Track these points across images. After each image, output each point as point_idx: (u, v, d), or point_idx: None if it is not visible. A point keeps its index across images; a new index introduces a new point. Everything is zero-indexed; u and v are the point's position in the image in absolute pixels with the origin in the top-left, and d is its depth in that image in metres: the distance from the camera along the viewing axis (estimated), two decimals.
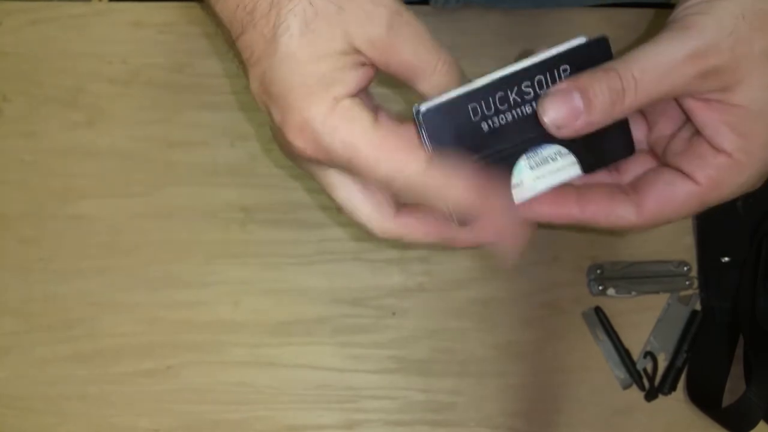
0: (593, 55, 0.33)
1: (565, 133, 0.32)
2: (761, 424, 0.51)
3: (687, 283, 0.54)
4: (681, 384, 0.54)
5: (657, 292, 0.54)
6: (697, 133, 0.33)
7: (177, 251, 0.55)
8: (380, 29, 0.30)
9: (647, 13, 0.57)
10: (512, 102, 0.33)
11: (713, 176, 0.32)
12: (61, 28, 0.57)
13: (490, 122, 0.33)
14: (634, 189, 0.35)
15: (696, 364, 0.54)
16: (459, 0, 0.57)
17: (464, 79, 0.33)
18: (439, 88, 0.32)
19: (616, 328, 0.54)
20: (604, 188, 0.35)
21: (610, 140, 0.34)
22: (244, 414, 0.53)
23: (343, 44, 0.30)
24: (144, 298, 0.54)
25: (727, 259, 0.54)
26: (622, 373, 0.54)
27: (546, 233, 0.55)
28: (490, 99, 0.32)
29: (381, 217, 0.34)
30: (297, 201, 0.55)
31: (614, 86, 0.31)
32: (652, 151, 0.37)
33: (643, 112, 0.37)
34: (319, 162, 0.32)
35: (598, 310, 0.54)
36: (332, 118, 0.30)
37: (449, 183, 0.31)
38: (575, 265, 0.55)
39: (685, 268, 0.54)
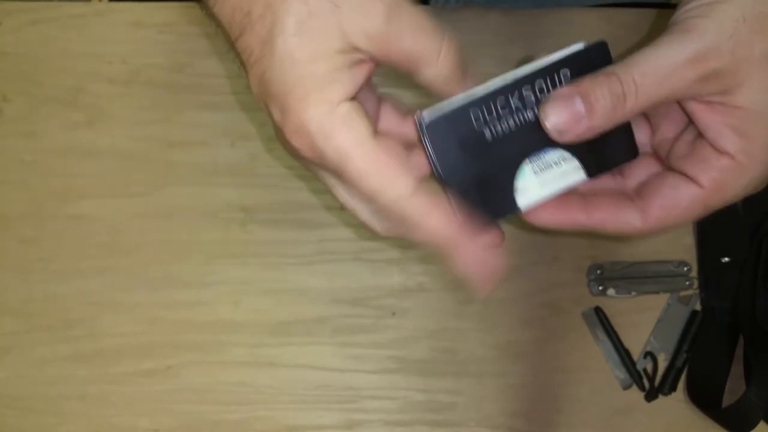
0: (593, 60, 0.33)
1: (567, 137, 0.32)
2: (761, 424, 0.51)
3: (687, 283, 0.54)
4: (681, 384, 0.54)
5: (657, 292, 0.55)
6: (700, 135, 0.33)
7: (177, 251, 0.55)
8: (377, 22, 0.30)
9: (647, 13, 0.57)
10: (514, 108, 0.33)
11: (716, 179, 0.32)
12: (61, 28, 0.57)
13: (492, 129, 0.33)
14: (638, 194, 0.35)
15: (696, 365, 0.54)
16: (459, 0, 0.57)
17: (467, 84, 0.33)
18: (445, 75, 0.32)
19: (616, 328, 0.54)
20: (610, 194, 0.36)
21: (613, 144, 0.34)
22: (244, 414, 0.53)
23: (340, 42, 0.30)
24: (144, 298, 0.54)
25: (727, 259, 0.54)
26: (622, 373, 0.54)
27: (546, 233, 0.55)
28: (492, 106, 0.32)
29: (383, 215, 0.34)
30: (297, 201, 0.55)
31: (615, 90, 0.31)
32: (655, 154, 0.37)
33: (646, 115, 0.37)
34: (315, 163, 0.32)
35: (598, 310, 0.54)
36: (328, 122, 0.30)
37: (428, 214, 0.31)
38: (575, 265, 0.55)
39: (685, 268, 0.54)
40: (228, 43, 0.33)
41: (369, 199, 0.31)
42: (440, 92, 0.33)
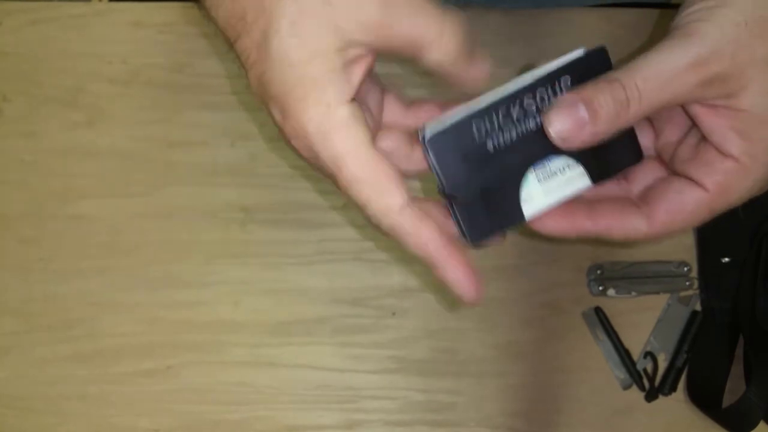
0: (593, 66, 0.33)
1: (571, 144, 0.32)
2: (761, 424, 0.51)
3: (687, 283, 0.54)
4: (681, 384, 0.54)
5: (657, 293, 0.54)
6: (704, 139, 0.33)
7: (177, 251, 0.55)
8: (371, 10, 0.30)
9: (647, 14, 0.57)
10: (515, 118, 0.33)
11: (721, 182, 0.32)
12: (61, 28, 0.57)
13: (494, 140, 0.33)
14: (643, 199, 0.35)
15: (696, 365, 0.54)
16: (459, 0, 0.57)
17: (477, 64, 0.33)
18: (450, 56, 0.31)
19: (616, 329, 0.54)
20: (614, 200, 0.36)
21: (617, 149, 0.34)
22: (244, 414, 0.53)
23: (335, 39, 0.30)
24: (144, 298, 0.54)
25: (727, 259, 0.54)
26: (622, 374, 0.54)
27: None
28: (493, 117, 0.32)
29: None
30: (297, 201, 0.55)
31: (618, 96, 0.31)
32: (659, 158, 0.37)
33: (649, 119, 0.37)
34: (312, 164, 0.32)
35: (598, 310, 0.54)
36: (326, 126, 0.30)
37: (415, 229, 0.31)
38: (575, 265, 0.55)
39: (686, 269, 0.54)
40: (227, 45, 0.33)
41: (360, 207, 0.32)
42: (448, 75, 0.33)
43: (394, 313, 0.55)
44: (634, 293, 0.54)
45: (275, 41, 0.30)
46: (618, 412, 0.54)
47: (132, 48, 0.57)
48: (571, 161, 0.34)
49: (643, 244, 0.55)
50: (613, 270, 0.54)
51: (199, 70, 0.57)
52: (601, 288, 0.54)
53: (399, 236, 0.32)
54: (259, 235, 0.55)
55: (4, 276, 0.54)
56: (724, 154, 0.32)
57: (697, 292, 0.55)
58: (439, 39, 0.31)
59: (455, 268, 0.32)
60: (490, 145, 0.33)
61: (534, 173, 0.34)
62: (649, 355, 0.54)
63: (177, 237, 0.55)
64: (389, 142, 0.35)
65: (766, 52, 0.31)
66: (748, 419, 0.51)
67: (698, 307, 0.55)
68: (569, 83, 0.33)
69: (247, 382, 0.54)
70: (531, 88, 0.33)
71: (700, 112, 0.32)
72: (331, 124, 0.30)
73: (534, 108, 0.33)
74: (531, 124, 0.33)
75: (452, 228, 0.34)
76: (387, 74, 0.37)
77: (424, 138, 0.32)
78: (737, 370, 0.54)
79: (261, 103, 0.32)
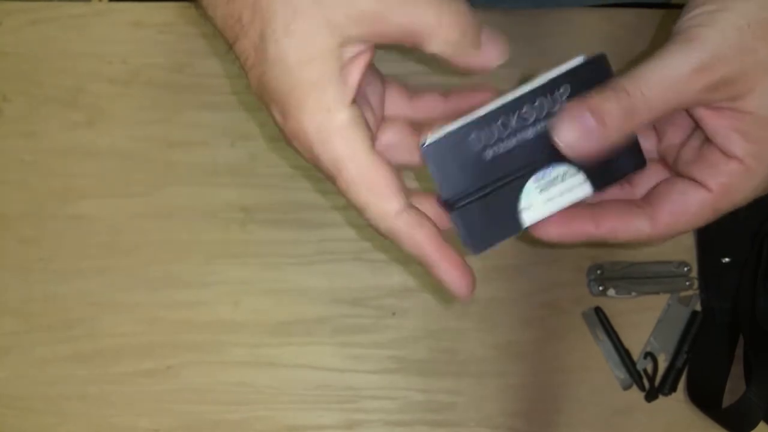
0: (593, 73, 0.33)
1: (578, 153, 0.32)
2: (761, 424, 0.51)
3: (687, 283, 0.54)
4: (681, 384, 0.54)
5: (657, 293, 0.54)
6: (707, 140, 0.33)
7: (177, 251, 0.55)
8: (364, 2, 0.29)
9: (648, 14, 0.57)
10: (514, 127, 0.33)
11: (725, 183, 0.32)
12: (61, 28, 0.57)
13: (493, 149, 0.33)
14: (647, 201, 0.35)
15: (696, 365, 0.54)
16: None
17: (486, 48, 0.32)
18: (452, 43, 0.31)
19: (617, 329, 0.54)
20: (617, 203, 0.35)
21: (619, 155, 0.34)
22: (244, 414, 0.53)
23: (330, 38, 0.29)
24: (144, 298, 0.54)
25: (727, 259, 0.54)
26: (622, 374, 0.54)
27: None
28: (492, 125, 0.33)
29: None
30: (297, 201, 0.55)
31: (625, 104, 0.31)
32: (662, 161, 0.36)
33: (655, 126, 0.37)
34: (313, 165, 0.32)
35: (598, 311, 0.54)
36: (326, 130, 0.30)
37: (410, 235, 0.32)
38: (575, 265, 0.55)
39: (686, 269, 0.54)
40: (227, 45, 0.33)
41: (358, 210, 0.32)
42: (455, 64, 0.32)
43: (394, 313, 0.55)
44: (634, 293, 0.54)
45: (272, 43, 0.30)
46: (618, 412, 0.54)
47: (132, 48, 0.57)
48: (571, 169, 0.34)
49: (646, 245, 0.55)
50: (613, 270, 0.54)
51: (199, 70, 0.57)
52: (601, 288, 0.54)
53: (395, 239, 0.32)
54: (259, 235, 0.55)
55: (4, 276, 0.54)
56: (729, 155, 0.32)
57: (697, 292, 0.55)
58: (437, 27, 0.30)
59: (449, 268, 0.33)
60: (488, 154, 0.33)
61: (534, 181, 0.34)
62: (649, 355, 0.54)
63: (177, 237, 0.55)
64: (392, 134, 0.35)
65: None
66: (748, 419, 0.51)
67: (698, 308, 0.55)
68: (569, 91, 0.33)
69: (247, 382, 0.54)
70: (530, 97, 0.33)
71: (704, 115, 0.32)
72: (331, 128, 0.30)
73: (533, 117, 0.33)
74: (530, 133, 0.33)
75: (448, 227, 0.34)
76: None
77: (422, 146, 0.33)
78: (737, 370, 0.54)
79: (262, 103, 0.32)
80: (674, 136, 0.35)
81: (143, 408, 0.53)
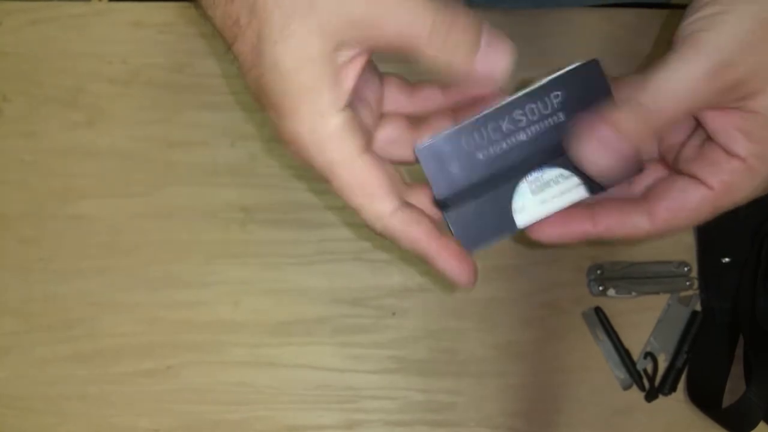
0: (586, 78, 0.33)
1: (600, 169, 0.32)
2: (761, 424, 0.51)
3: (687, 283, 0.54)
4: (681, 384, 0.54)
5: (657, 293, 0.54)
6: (709, 139, 0.33)
7: (177, 251, 0.55)
8: (358, 9, 0.29)
9: (648, 14, 0.57)
10: (507, 131, 0.33)
11: (726, 181, 0.32)
12: (61, 28, 0.57)
13: (486, 152, 0.34)
14: (645, 197, 0.35)
15: (696, 365, 0.54)
16: (459, 0, 0.57)
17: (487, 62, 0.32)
18: (441, 53, 0.30)
19: (616, 329, 0.54)
20: (614, 200, 0.35)
21: None
22: (244, 414, 0.53)
23: (324, 44, 0.29)
24: (144, 298, 0.54)
25: (727, 259, 0.54)
26: (622, 374, 0.54)
27: None
28: (485, 130, 0.33)
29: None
30: (297, 201, 0.55)
31: (642, 117, 0.31)
32: (662, 160, 0.36)
33: None
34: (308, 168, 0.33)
35: (598, 310, 0.54)
36: (319, 135, 0.30)
37: (406, 231, 0.32)
38: (575, 265, 0.55)
39: (686, 269, 0.54)
40: (225, 46, 0.33)
41: (355, 211, 0.32)
42: (452, 76, 0.31)
43: (394, 313, 0.55)
44: (634, 293, 0.54)
45: (267, 47, 0.30)
46: (618, 412, 0.54)
47: (132, 48, 0.57)
48: (565, 172, 0.34)
49: (644, 242, 0.55)
50: (613, 270, 0.54)
51: (199, 70, 0.57)
52: (601, 288, 0.54)
53: (392, 238, 0.33)
54: (259, 235, 0.55)
55: (4, 276, 0.54)
56: (731, 154, 0.32)
57: (697, 292, 0.55)
58: (428, 36, 0.30)
59: (448, 259, 0.33)
60: (481, 156, 0.34)
61: (527, 183, 0.34)
62: (649, 355, 0.54)
63: (177, 237, 0.55)
64: (390, 130, 0.35)
65: None
66: (748, 419, 0.51)
67: (698, 307, 0.55)
68: (562, 96, 0.33)
69: (247, 382, 0.54)
70: (523, 101, 0.33)
71: (708, 114, 0.32)
72: (324, 133, 0.30)
73: (525, 120, 0.33)
74: (523, 136, 0.34)
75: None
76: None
77: (416, 148, 0.33)
78: (737, 370, 0.54)
79: (259, 105, 0.32)
80: (675, 136, 0.35)
81: (143, 408, 0.53)
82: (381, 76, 0.36)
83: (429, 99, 0.36)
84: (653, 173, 0.36)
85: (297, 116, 0.30)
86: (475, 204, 0.34)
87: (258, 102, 0.32)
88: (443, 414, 0.54)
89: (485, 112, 0.33)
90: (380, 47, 0.30)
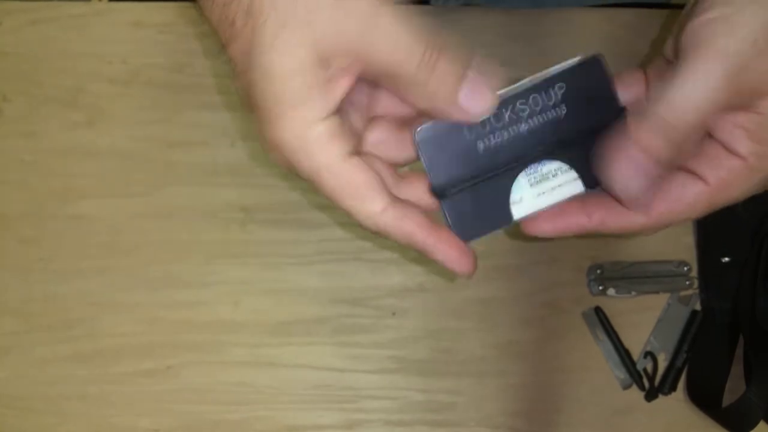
0: (589, 73, 0.33)
1: (631, 191, 0.32)
2: (761, 424, 0.51)
3: (687, 283, 0.54)
4: (681, 384, 0.54)
5: (657, 292, 0.54)
6: (708, 135, 0.33)
7: (177, 251, 0.55)
8: (351, 35, 0.30)
9: (648, 14, 0.57)
10: (507, 121, 0.33)
11: (724, 177, 0.32)
12: (61, 28, 0.57)
13: (485, 141, 0.33)
14: None
15: (696, 364, 0.54)
16: (459, 0, 0.57)
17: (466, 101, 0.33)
18: (425, 88, 0.31)
19: (616, 328, 0.54)
20: (609, 194, 0.35)
21: None
22: (244, 414, 0.53)
23: (313, 56, 0.30)
24: (144, 298, 0.54)
25: (727, 259, 0.54)
26: (622, 373, 0.54)
27: None
28: (485, 119, 0.33)
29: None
30: (297, 201, 0.55)
31: (668, 134, 0.31)
32: None
33: None
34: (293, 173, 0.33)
35: (598, 310, 0.54)
36: (303, 143, 0.31)
37: (399, 226, 0.32)
38: (575, 265, 0.55)
39: (686, 268, 0.54)
40: (220, 46, 0.33)
41: (347, 214, 0.33)
42: (428, 111, 0.32)
43: (394, 313, 0.55)
44: (634, 293, 0.54)
45: (258, 53, 0.30)
46: (618, 412, 0.54)
47: (132, 48, 0.57)
48: (564, 166, 0.34)
49: (640, 240, 0.55)
50: (613, 270, 0.54)
51: (199, 70, 0.57)
52: (601, 288, 0.54)
53: (386, 235, 0.33)
54: (259, 235, 0.55)
55: (4, 276, 0.54)
56: (731, 152, 0.32)
57: (697, 291, 0.55)
58: (416, 69, 0.30)
59: (445, 248, 0.33)
60: (480, 145, 0.33)
61: (525, 175, 0.34)
62: (649, 354, 0.54)
63: (177, 237, 0.55)
64: (380, 132, 0.35)
65: None
66: (748, 419, 0.51)
67: (698, 307, 0.55)
68: (564, 89, 0.33)
69: (247, 382, 0.54)
70: (525, 93, 0.33)
71: None
72: (309, 140, 0.31)
73: (527, 112, 0.33)
74: (523, 128, 0.33)
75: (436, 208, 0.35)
76: None
77: (414, 137, 0.33)
78: (737, 370, 0.54)
79: (248, 109, 0.33)
80: None
81: (143, 408, 0.53)
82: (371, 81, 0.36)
83: None
84: None
85: (284, 122, 0.31)
86: (471, 194, 0.34)
87: (246, 106, 0.33)
88: (443, 414, 0.54)
89: None
90: (368, 72, 0.31)
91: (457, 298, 0.55)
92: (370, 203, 0.32)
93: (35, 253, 0.55)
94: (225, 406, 0.53)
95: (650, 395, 0.54)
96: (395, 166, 0.35)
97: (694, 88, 0.30)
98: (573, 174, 0.34)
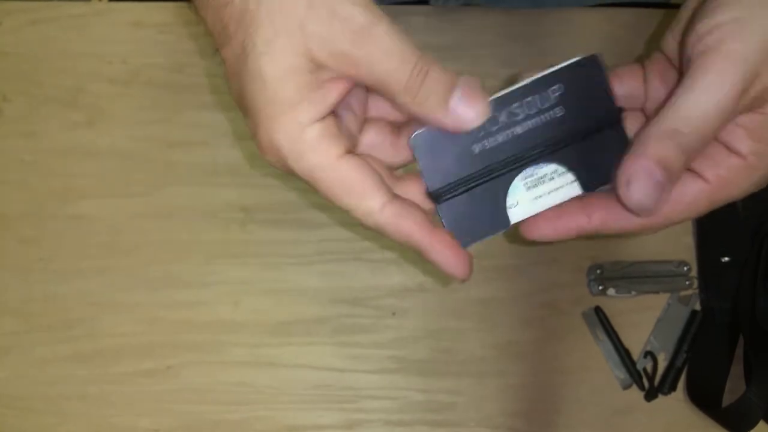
0: (586, 73, 0.33)
1: (649, 207, 0.31)
2: (761, 424, 0.51)
3: (687, 283, 0.54)
4: (681, 384, 0.54)
5: (657, 292, 0.54)
6: None
7: (177, 251, 0.55)
8: (344, 46, 0.30)
9: (648, 13, 0.57)
10: (503, 123, 0.33)
11: (724, 176, 0.32)
12: (61, 28, 0.57)
13: (482, 144, 0.33)
14: None
15: (696, 364, 0.54)
16: (459, 0, 0.57)
17: (451, 113, 0.33)
18: (413, 102, 0.31)
19: (616, 328, 0.54)
20: (608, 193, 0.35)
21: (610, 156, 0.34)
22: (244, 414, 0.53)
23: (306, 61, 0.30)
24: (144, 298, 0.54)
25: (727, 259, 0.54)
26: (622, 373, 0.54)
27: None
28: None
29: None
30: (297, 201, 0.55)
31: (683, 146, 0.30)
32: None
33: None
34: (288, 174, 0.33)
35: (598, 310, 0.54)
36: (298, 144, 0.31)
37: (397, 224, 0.32)
38: (575, 265, 0.55)
39: (685, 268, 0.54)
40: (214, 48, 0.33)
41: (345, 212, 0.33)
42: (420, 120, 0.32)
43: (394, 313, 0.55)
44: (633, 293, 0.54)
45: (251, 57, 0.30)
46: (618, 412, 0.54)
47: (132, 48, 0.57)
48: (560, 168, 0.34)
49: (640, 240, 0.55)
50: (613, 270, 0.54)
51: (199, 70, 0.57)
52: (600, 288, 0.54)
53: (384, 233, 0.33)
54: (259, 235, 0.55)
55: (4, 276, 0.54)
56: (731, 150, 0.32)
57: (697, 291, 0.55)
58: (404, 86, 0.30)
59: (442, 250, 0.33)
60: (476, 148, 0.33)
61: (522, 178, 0.34)
62: (649, 354, 0.54)
63: (177, 237, 0.55)
64: (373, 135, 0.35)
65: None
66: (747, 419, 0.51)
67: (698, 307, 0.55)
68: (562, 90, 0.33)
69: (247, 382, 0.54)
70: (521, 94, 0.33)
71: None
72: (303, 142, 0.31)
73: (523, 114, 0.33)
74: (519, 130, 0.33)
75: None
76: None
77: (410, 139, 0.33)
78: (737, 370, 0.54)
79: (241, 111, 0.33)
80: None
81: (143, 408, 0.53)
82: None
83: None
84: None
85: (277, 125, 0.31)
86: (468, 197, 0.34)
87: (239, 108, 0.33)
88: (443, 414, 0.54)
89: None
90: (360, 80, 0.31)
91: (457, 298, 0.55)
92: (368, 200, 0.32)
93: (35, 253, 0.55)
94: (225, 406, 0.53)
95: (650, 395, 0.54)
96: (391, 169, 0.35)
97: (708, 98, 0.30)
98: (570, 176, 0.34)
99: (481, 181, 0.34)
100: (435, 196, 0.34)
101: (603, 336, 0.54)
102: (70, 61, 0.57)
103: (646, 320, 0.55)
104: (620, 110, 0.34)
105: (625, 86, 0.36)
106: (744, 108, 0.31)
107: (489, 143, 0.33)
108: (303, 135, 0.31)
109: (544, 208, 0.34)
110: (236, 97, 0.32)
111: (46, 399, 0.53)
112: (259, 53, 0.30)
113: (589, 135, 0.34)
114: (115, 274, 0.54)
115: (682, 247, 0.55)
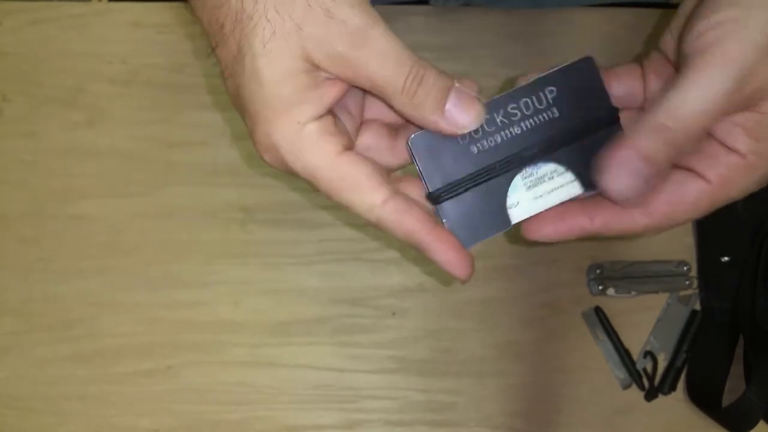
0: (580, 75, 0.33)
1: (629, 196, 0.32)
2: (761, 424, 0.51)
3: (687, 282, 0.54)
4: (681, 384, 0.54)
5: (657, 292, 0.55)
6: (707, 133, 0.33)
7: (177, 251, 0.55)
8: (340, 48, 0.30)
9: (647, 13, 0.57)
10: (500, 124, 0.33)
11: (724, 174, 0.32)
12: (61, 28, 0.57)
13: (479, 144, 0.33)
14: None
15: (696, 364, 0.54)
16: (459, 0, 0.57)
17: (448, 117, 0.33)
18: (409, 106, 0.31)
19: (616, 328, 0.54)
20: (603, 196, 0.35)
21: None
22: (244, 414, 0.53)
23: (303, 63, 0.30)
24: (144, 298, 0.54)
25: (727, 259, 0.54)
26: (622, 373, 0.54)
27: None
28: None
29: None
30: (297, 201, 0.55)
31: (668, 140, 0.30)
32: None
33: None
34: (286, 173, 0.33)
35: (598, 310, 0.54)
36: (296, 143, 0.31)
37: (399, 221, 0.32)
38: (575, 265, 0.55)
39: (685, 268, 0.54)
40: (209, 48, 0.33)
41: (345, 208, 0.32)
42: (417, 123, 0.32)
43: (394, 313, 0.55)
44: (633, 293, 0.54)
45: (248, 57, 0.30)
46: (618, 412, 0.54)
47: (132, 48, 0.57)
48: (560, 168, 0.34)
49: (640, 240, 0.55)
50: (613, 269, 0.54)
51: (199, 70, 0.57)
52: (600, 287, 0.54)
53: (385, 229, 0.33)
54: (259, 235, 0.55)
55: (4, 276, 0.54)
56: (729, 148, 0.32)
57: (697, 291, 0.55)
58: (399, 91, 0.31)
59: (444, 249, 0.33)
60: (474, 150, 0.33)
61: (521, 178, 0.34)
62: (649, 354, 0.54)
63: (177, 237, 0.55)
64: (369, 137, 0.35)
65: None
66: (747, 419, 0.51)
67: (698, 307, 0.55)
68: (555, 92, 0.33)
69: (247, 382, 0.54)
70: (517, 96, 0.33)
71: None
72: (302, 140, 0.31)
73: (519, 114, 0.33)
74: (516, 130, 0.33)
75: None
76: None
77: (409, 139, 0.33)
78: (737, 370, 0.54)
79: (237, 111, 0.33)
80: None
81: (143, 408, 0.53)
82: None
83: None
84: None
85: (275, 125, 0.31)
86: (467, 198, 0.34)
87: (235, 107, 0.33)
88: (443, 414, 0.54)
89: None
90: (357, 83, 0.31)
91: (457, 298, 0.55)
92: (369, 195, 0.32)
93: (35, 253, 0.55)
94: (225, 406, 0.53)
95: (650, 395, 0.54)
96: (388, 171, 0.35)
97: (698, 95, 0.30)
98: (570, 176, 0.34)
99: (480, 181, 0.34)
100: (435, 197, 0.34)
101: (603, 336, 0.54)
102: (70, 61, 0.57)
103: (646, 320, 0.55)
104: (616, 110, 0.34)
105: (623, 85, 0.36)
106: (740, 107, 0.31)
107: (487, 144, 0.33)
108: (301, 133, 0.31)
109: (544, 208, 0.34)
110: (232, 97, 0.32)
111: (46, 399, 0.53)
112: (255, 55, 0.30)
113: (587, 134, 0.34)
114: (115, 274, 0.54)
115: (682, 247, 0.55)
